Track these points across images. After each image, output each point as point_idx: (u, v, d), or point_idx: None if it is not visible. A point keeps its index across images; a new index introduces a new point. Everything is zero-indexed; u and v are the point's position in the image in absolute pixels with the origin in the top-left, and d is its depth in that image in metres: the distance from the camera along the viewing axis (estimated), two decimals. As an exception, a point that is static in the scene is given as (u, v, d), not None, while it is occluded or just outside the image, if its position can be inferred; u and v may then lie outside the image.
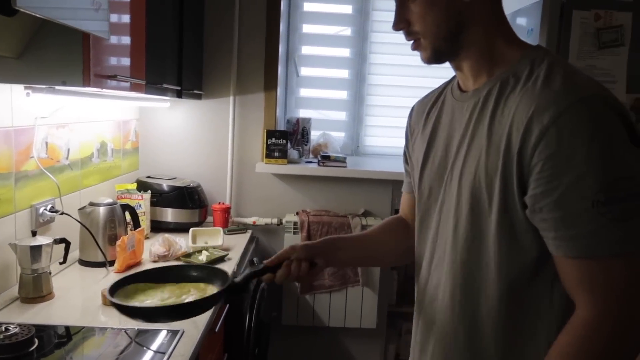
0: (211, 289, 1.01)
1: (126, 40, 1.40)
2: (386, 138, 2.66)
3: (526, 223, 0.79)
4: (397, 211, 2.43)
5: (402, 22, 0.87)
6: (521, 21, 2.01)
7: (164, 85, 1.73)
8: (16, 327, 1.15)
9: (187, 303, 0.95)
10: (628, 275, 0.72)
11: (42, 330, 1.23)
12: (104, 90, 1.30)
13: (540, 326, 0.81)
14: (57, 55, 1.16)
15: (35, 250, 1.37)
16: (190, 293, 0.99)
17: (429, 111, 1.01)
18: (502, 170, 0.78)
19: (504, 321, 0.83)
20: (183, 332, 1.26)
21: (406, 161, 1.11)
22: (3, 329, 1.13)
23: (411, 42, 0.89)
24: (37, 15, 0.85)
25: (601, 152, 0.71)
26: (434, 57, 0.88)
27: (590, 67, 1.77)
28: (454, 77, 0.98)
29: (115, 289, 0.97)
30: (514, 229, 0.80)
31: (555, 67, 0.79)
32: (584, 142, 0.71)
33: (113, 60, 1.33)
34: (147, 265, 1.75)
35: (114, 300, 0.93)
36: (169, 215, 2.18)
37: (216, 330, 1.49)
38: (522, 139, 0.75)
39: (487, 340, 0.85)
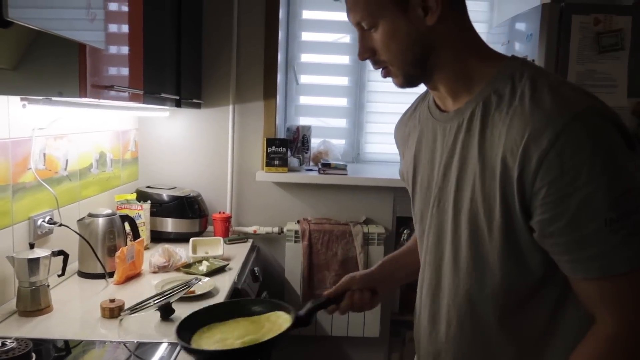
0: (283, 318, 0.99)
1: (124, 49, 1.40)
2: (386, 145, 2.64)
3: (533, 244, 0.77)
4: (398, 218, 2.44)
5: (366, 52, 0.85)
6: (520, 26, 2.00)
7: (163, 95, 1.72)
8: (13, 342, 1.13)
9: (266, 341, 0.92)
10: None
11: (40, 345, 1.21)
12: (101, 100, 1.29)
13: (552, 344, 0.79)
14: (53, 66, 1.15)
15: (33, 263, 1.35)
16: (265, 327, 0.97)
17: (409, 132, 0.99)
18: (501, 195, 0.76)
19: (515, 343, 0.81)
20: (183, 344, 1.24)
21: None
22: (0, 344, 1.11)
23: (380, 70, 0.87)
24: (31, 27, 0.84)
25: (605, 167, 0.69)
26: (406, 83, 0.86)
27: (590, 72, 1.75)
28: (427, 92, 0.95)
29: (184, 333, 0.94)
30: (520, 252, 0.78)
31: (539, 81, 0.76)
32: (585, 161, 0.69)
33: (110, 70, 1.33)
34: (148, 277, 1.74)
35: (192, 347, 0.91)
36: (169, 225, 2.17)
37: (217, 341, 1.47)
38: (520, 165, 0.73)
39: None
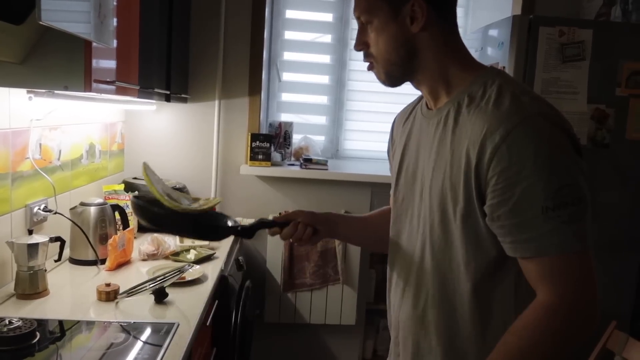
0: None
1: (122, 46, 1.46)
2: (365, 142, 2.77)
3: (486, 229, 0.89)
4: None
5: (361, 44, 0.98)
6: (493, 33, 2.14)
7: (155, 90, 1.78)
8: (19, 321, 1.20)
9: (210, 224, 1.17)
10: (579, 270, 0.83)
11: (40, 325, 1.27)
12: (102, 94, 1.36)
13: (509, 319, 0.89)
14: (59, 61, 1.21)
15: (32, 248, 1.41)
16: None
17: (404, 124, 1.12)
18: (464, 182, 0.88)
19: (478, 317, 0.93)
20: (178, 325, 1.33)
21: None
22: (7, 322, 1.18)
23: (367, 64, 0.99)
24: (56, 27, 0.91)
25: (546, 163, 0.82)
26: (387, 81, 0.99)
27: (555, 79, 1.91)
28: None
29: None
30: (477, 233, 0.90)
31: (504, 88, 0.89)
32: (530, 156, 0.82)
33: (110, 66, 1.39)
34: (137, 264, 1.81)
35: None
36: (155, 215, 2.23)
37: (207, 324, 1.56)
38: (478, 156, 0.86)
39: (464, 335, 0.94)
